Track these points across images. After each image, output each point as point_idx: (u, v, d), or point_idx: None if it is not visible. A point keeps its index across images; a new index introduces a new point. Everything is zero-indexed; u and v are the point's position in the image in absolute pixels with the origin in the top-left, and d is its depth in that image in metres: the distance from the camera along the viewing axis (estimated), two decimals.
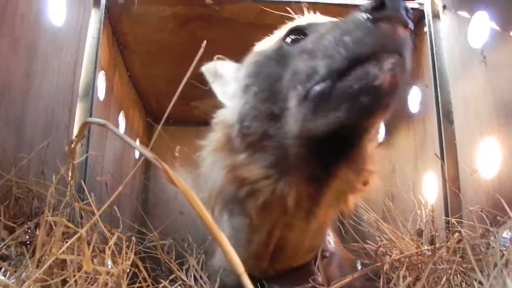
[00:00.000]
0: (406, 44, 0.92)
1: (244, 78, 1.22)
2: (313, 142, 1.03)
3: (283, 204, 1.13)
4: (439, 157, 1.77)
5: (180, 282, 1.40)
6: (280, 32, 1.24)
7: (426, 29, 2.01)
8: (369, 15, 0.90)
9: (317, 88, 0.96)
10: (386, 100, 0.92)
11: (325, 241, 1.44)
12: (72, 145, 0.71)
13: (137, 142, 2.80)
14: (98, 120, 0.59)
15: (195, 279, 1.45)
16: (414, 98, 2.09)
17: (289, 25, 1.23)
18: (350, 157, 1.08)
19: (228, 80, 1.44)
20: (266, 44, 1.27)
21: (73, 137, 0.75)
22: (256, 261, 1.29)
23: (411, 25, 0.91)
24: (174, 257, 1.73)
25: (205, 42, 1.04)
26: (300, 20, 1.26)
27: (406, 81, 0.95)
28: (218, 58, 1.44)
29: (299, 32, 1.15)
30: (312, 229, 1.26)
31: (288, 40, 1.16)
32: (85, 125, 0.67)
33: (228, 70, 1.45)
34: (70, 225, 0.81)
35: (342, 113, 0.93)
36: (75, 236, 0.85)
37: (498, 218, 1.24)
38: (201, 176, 1.34)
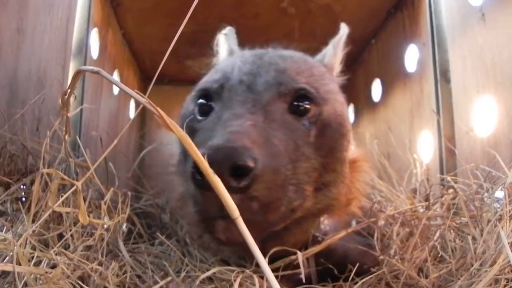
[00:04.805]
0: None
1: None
2: None
3: None
4: (436, 113, 1.77)
5: (175, 238, 1.42)
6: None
7: None
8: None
9: None
10: None
11: None
12: (66, 96, 0.70)
13: (132, 101, 2.78)
14: (91, 67, 0.58)
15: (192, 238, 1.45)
16: (411, 57, 2.07)
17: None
18: None
19: None
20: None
21: (67, 89, 0.74)
22: None
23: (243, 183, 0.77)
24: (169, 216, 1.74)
25: None
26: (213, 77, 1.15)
27: None
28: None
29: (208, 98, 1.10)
30: None
31: (199, 104, 1.11)
32: (78, 74, 0.66)
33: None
34: (65, 177, 0.80)
35: None
36: (71, 189, 0.84)
37: (493, 174, 1.25)
38: None
